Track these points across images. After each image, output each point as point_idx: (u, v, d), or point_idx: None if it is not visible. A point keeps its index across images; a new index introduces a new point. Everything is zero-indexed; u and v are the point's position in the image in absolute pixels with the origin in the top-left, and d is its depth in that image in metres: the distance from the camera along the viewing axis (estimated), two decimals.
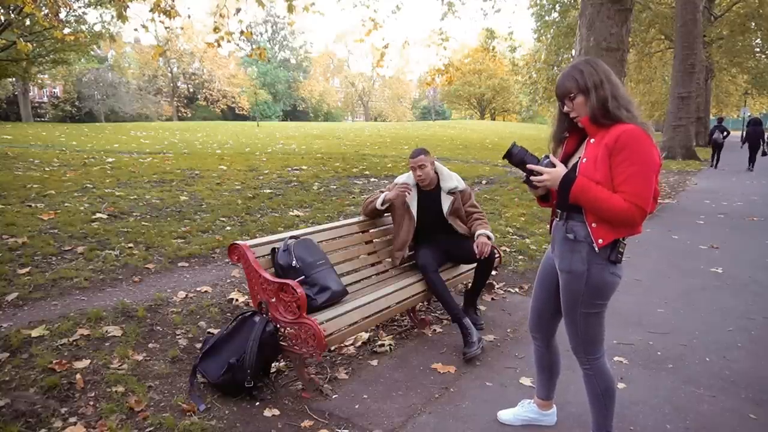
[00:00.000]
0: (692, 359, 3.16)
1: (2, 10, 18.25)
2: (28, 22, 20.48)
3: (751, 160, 15.59)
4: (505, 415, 2.48)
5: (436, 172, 3.62)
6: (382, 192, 3.62)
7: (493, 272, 3.99)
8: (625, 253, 1.92)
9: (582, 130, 1.98)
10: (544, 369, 2.35)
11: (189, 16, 19.70)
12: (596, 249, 1.88)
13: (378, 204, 3.55)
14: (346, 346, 3.28)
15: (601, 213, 1.82)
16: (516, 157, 2.02)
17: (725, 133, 16.20)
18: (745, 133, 16.77)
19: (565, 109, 1.94)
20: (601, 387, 2.08)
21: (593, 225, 1.87)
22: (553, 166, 1.92)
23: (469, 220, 3.63)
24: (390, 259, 3.70)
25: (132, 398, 2.49)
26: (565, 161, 2.00)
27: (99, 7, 22.27)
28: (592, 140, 1.91)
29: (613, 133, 1.81)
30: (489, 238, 3.47)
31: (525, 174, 2.00)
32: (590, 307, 1.97)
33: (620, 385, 2.76)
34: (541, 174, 1.91)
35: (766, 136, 15.96)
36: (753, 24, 23.05)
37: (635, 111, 1.86)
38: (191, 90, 48.87)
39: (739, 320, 3.78)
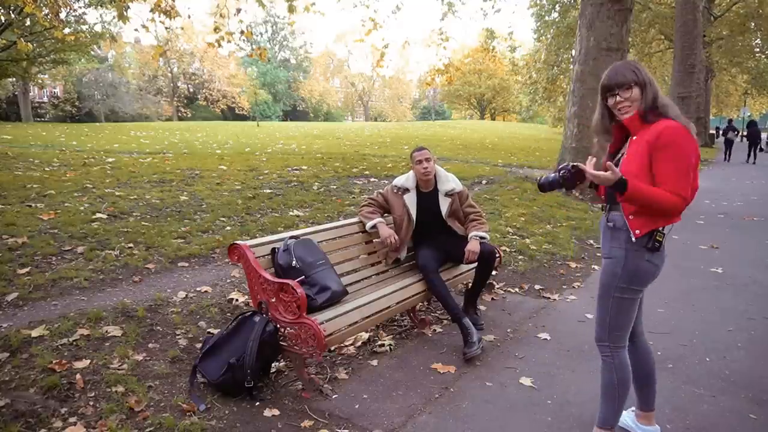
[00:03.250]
0: (692, 359, 3.15)
1: (2, 10, 18.24)
2: (28, 22, 20.49)
3: (749, 154, 18.90)
4: None
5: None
6: (378, 202, 3.66)
7: (493, 272, 3.99)
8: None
9: (620, 129, 2.05)
10: (633, 373, 2.27)
11: (189, 16, 19.72)
12: (633, 238, 1.96)
13: (368, 227, 3.57)
14: (346, 346, 3.28)
15: (650, 207, 1.91)
16: (548, 187, 2.05)
17: (736, 132, 19.76)
18: (746, 132, 20.73)
19: (613, 101, 2.01)
20: (618, 377, 2.11)
21: (630, 217, 1.96)
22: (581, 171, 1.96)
23: (466, 221, 3.63)
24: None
25: (132, 398, 2.49)
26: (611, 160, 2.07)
27: (99, 7, 22.26)
28: (634, 137, 2.00)
29: (654, 129, 1.91)
30: (483, 238, 3.47)
31: (558, 177, 2.00)
32: (624, 292, 2.04)
33: None
34: (599, 177, 1.92)
35: (764, 135, 20.18)
36: (753, 24, 23.05)
37: (678, 110, 1.96)
38: (191, 90, 48.84)
39: (739, 320, 3.78)
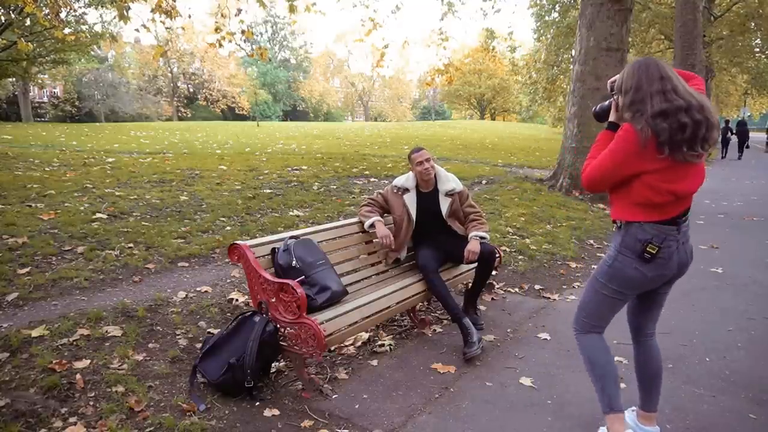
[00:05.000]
0: (692, 359, 3.16)
1: (3, 10, 18.25)
2: (28, 22, 20.47)
3: (740, 150, 21.25)
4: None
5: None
6: (377, 201, 3.66)
7: (494, 272, 3.99)
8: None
9: None
10: (636, 372, 2.33)
11: (190, 16, 19.71)
12: (620, 238, 2.04)
13: (366, 225, 3.58)
14: (346, 346, 3.28)
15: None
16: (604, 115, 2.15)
17: (732, 132, 21.97)
18: (736, 131, 22.84)
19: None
20: (585, 357, 2.21)
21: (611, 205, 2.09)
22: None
23: (466, 221, 3.63)
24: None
25: (132, 398, 2.49)
26: None
27: (99, 7, 22.25)
28: None
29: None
30: (483, 239, 3.47)
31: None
32: (603, 287, 2.11)
33: (621, 385, 2.75)
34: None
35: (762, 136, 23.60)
36: (753, 24, 23.03)
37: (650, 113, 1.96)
38: (191, 90, 48.83)
39: (739, 320, 3.78)
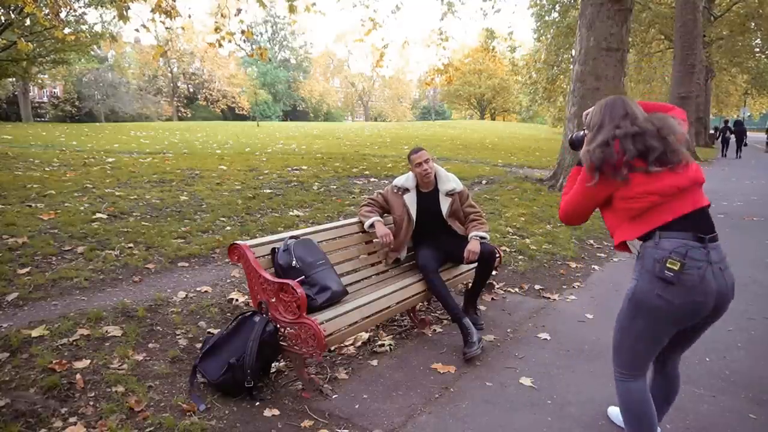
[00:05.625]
0: (692, 359, 3.15)
1: (3, 10, 18.24)
2: (28, 22, 20.47)
3: (738, 149, 21.63)
4: (614, 410, 2.48)
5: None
6: (377, 201, 3.66)
7: (494, 272, 3.99)
8: (683, 270, 1.74)
9: None
10: (651, 391, 2.13)
11: (189, 16, 19.71)
12: (637, 256, 1.91)
13: (366, 225, 3.57)
14: (346, 346, 3.28)
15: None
16: (578, 144, 2.14)
17: (731, 132, 22.57)
18: (734, 131, 23.42)
19: None
20: (622, 406, 2.04)
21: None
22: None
23: (466, 221, 3.63)
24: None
25: (132, 398, 2.49)
26: None
27: (99, 7, 22.26)
28: None
29: None
30: (483, 239, 3.47)
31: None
32: (627, 321, 1.91)
33: None
34: None
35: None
36: (753, 24, 23.03)
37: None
38: (191, 90, 48.82)
39: (739, 320, 3.78)
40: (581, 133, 2.14)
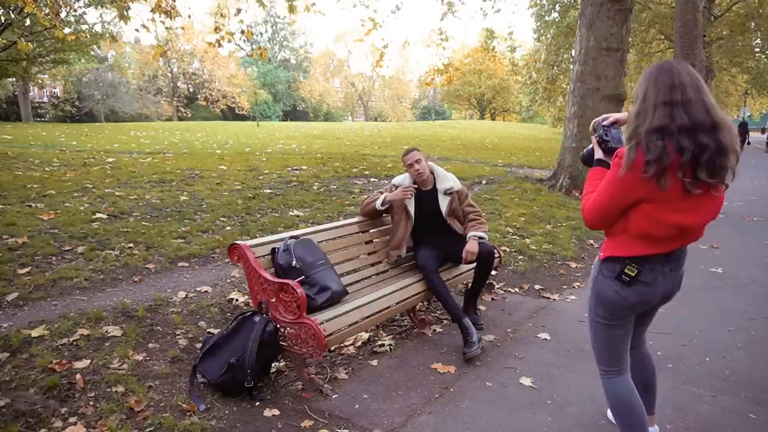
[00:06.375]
0: (692, 359, 3.16)
1: (3, 10, 18.24)
2: (28, 22, 20.46)
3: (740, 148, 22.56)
4: None
5: (432, 172, 3.62)
6: (381, 193, 3.62)
7: (493, 272, 3.99)
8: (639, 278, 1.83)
9: None
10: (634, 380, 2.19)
11: (189, 16, 19.70)
12: (598, 261, 1.96)
13: (378, 204, 3.54)
14: (346, 346, 3.28)
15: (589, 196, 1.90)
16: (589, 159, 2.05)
17: None
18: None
19: None
20: (610, 404, 2.09)
21: (605, 238, 1.94)
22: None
23: (465, 221, 3.63)
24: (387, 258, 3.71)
25: (132, 398, 2.49)
26: None
27: (99, 7, 22.24)
28: None
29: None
30: (482, 239, 3.47)
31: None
32: (595, 315, 2.00)
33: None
34: None
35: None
36: (753, 24, 23.03)
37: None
38: (191, 90, 48.81)
39: (739, 320, 3.78)
40: (590, 146, 2.07)
